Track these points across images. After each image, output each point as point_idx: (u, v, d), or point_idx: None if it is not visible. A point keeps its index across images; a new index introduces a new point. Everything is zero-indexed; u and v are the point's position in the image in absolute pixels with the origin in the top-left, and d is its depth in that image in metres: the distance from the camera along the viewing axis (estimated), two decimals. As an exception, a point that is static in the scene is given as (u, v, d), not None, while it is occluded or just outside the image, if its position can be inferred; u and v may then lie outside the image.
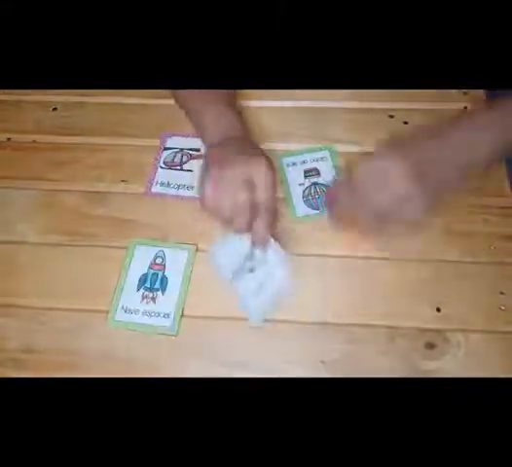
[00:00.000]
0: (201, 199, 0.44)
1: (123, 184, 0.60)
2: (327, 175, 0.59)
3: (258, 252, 0.47)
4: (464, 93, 0.64)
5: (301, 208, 0.57)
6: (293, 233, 0.55)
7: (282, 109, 0.65)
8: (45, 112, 0.67)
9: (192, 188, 0.59)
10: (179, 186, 0.59)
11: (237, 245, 0.47)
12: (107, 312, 0.51)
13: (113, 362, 0.49)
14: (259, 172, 0.44)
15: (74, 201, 0.59)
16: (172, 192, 0.59)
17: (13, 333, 0.51)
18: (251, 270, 0.48)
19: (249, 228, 0.44)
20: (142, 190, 0.59)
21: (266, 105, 0.65)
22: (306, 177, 0.59)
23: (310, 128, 0.63)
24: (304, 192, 0.58)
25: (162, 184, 0.59)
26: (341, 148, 0.61)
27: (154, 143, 0.63)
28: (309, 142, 0.61)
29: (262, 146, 0.51)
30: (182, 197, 0.58)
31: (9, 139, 0.64)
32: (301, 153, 0.61)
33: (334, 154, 0.60)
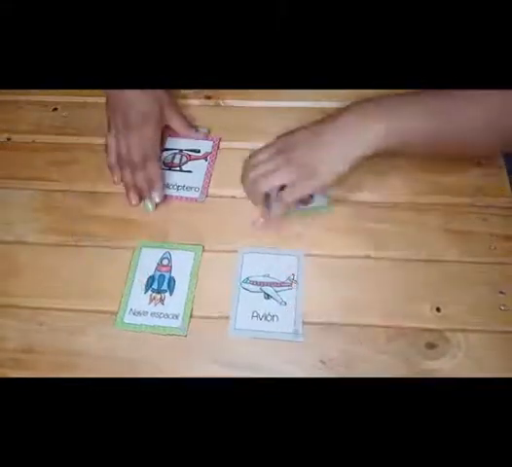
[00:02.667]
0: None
1: (123, 184, 0.60)
2: None
3: None
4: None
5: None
6: (293, 233, 0.55)
7: (282, 109, 0.65)
8: (45, 112, 0.67)
9: (192, 189, 0.59)
10: (179, 187, 0.59)
11: None
12: (107, 313, 0.51)
13: (113, 362, 0.49)
14: None
15: (74, 201, 0.59)
16: (172, 193, 0.58)
17: (12, 333, 0.51)
18: None
19: None
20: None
21: (266, 105, 0.65)
22: None
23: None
24: None
25: None
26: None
27: (154, 143, 0.63)
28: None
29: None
30: (182, 198, 0.58)
31: (9, 139, 0.64)
32: None
33: None
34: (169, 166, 0.61)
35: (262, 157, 0.51)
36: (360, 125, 0.47)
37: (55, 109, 0.67)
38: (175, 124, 0.61)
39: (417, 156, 0.56)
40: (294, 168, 0.48)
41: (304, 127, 0.50)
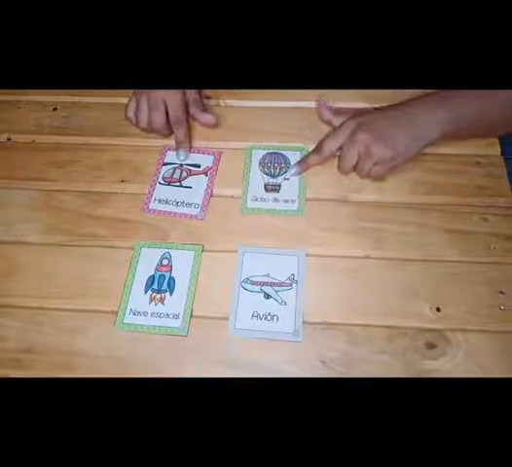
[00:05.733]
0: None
1: (123, 184, 0.60)
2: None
3: None
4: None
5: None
6: (292, 233, 0.55)
7: (282, 109, 0.65)
8: (45, 112, 0.67)
9: (191, 205, 0.58)
10: (178, 202, 0.58)
11: None
12: (107, 313, 0.51)
13: (113, 362, 0.49)
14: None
15: (74, 202, 0.59)
16: (171, 209, 0.58)
17: (13, 333, 0.51)
18: None
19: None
20: (142, 190, 0.59)
21: (266, 105, 0.65)
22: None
23: (309, 129, 0.63)
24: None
25: (160, 201, 0.58)
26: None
27: (154, 143, 0.63)
28: (308, 142, 0.61)
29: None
30: (181, 215, 0.57)
31: (9, 139, 0.64)
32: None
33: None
34: (169, 182, 0.60)
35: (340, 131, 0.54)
36: (427, 113, 0.52)
37: (55, 109, 0.67)
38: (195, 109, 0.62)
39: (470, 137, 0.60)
40: (372, 136, 0.52)
41: (376, 109, 0.55)
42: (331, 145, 0.54)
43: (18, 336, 0.50)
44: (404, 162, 0.53)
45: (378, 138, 0.51)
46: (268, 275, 0.52)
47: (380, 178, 0.56)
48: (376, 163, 0.52)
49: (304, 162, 0.58)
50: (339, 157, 0.55)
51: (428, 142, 0.52)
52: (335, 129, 0.55)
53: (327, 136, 0.55)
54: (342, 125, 0.54)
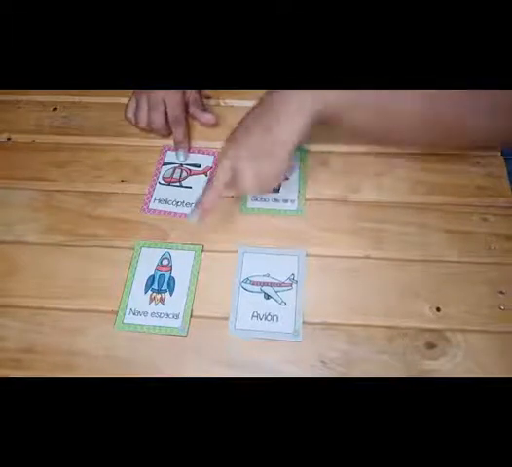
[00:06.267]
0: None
1: (123, 184, 0.60)
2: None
3: None
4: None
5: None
6: (292, 233, 0.55)
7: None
8: (45, 112, 0.67)
9: (191, 205, 0.57)
10: (178, 202, 0.58)
11: None
12: (107, 313, 0.51)
13: (113, 362, 0.49)
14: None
15: (74, 202, 0.59)
16: (171, 209, 0.58)
17: (12, 333, 0.51)
18: None
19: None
20: (142, 190, 0.59)
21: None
22: None
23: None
24: None
25: (160, 201, 0.58)
26: (342, 148, 0.61)
27: (154, 143, 0.63)
28: (308, 142, 0.61)
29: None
30: (181, 215, 0.57)
31: (9, 139, 0.64)
32: None
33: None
34: (169, 182, 0.60)
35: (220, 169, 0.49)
36: (294, 96, 0.46)
37: (55, 109, 0.67)
38: (194, 108, 0.63)
39: (365, 132, 0.53)
40: (251, 160, 0.47)
41: (239, 123, 0.50)
42: (219, 174, 0.49)
43: (18, 336, 0.50)
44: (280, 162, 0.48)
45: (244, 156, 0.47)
46: (268, 275, 0.52)
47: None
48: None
49: (200, 204, 0.50)
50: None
51: (302, 129, 0.46)
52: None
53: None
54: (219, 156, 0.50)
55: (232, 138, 0.50)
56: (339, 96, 0.46)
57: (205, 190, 0.50)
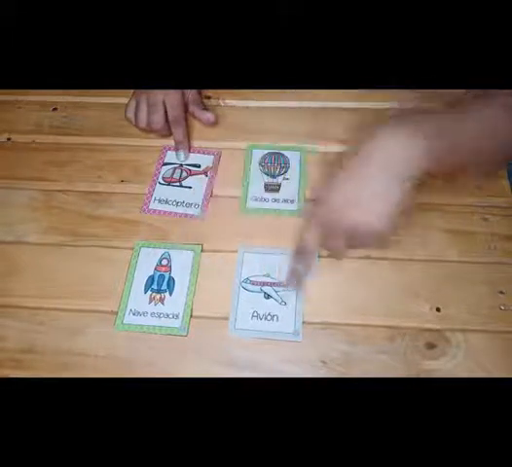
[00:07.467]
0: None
1: (123, 184, 0.60)
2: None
3: None
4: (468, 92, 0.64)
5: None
6: (292, 233, 0.55)
7: (283, 109, 0.65)
8: (45, 112, 0.67)
9: (191, 205, 0.58)
10: (178, 202, 0.58)
11: None
12: (107, 313, 0.51)
13: (113, 362, 0.49)
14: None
15: (74, 202, 0.59)
16: (171, 209, 0.57)
17: (12, 333, 0.50)
18: None
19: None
20: (142, 190, 0.59)
21: (266, 105, 0.65)
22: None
23: (309, 129, 0.63)
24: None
25: (160, 201, 0.58)
26: (342, 148, 0.61)
27: (154, 143, 0.63)
28: (308, 142, 0.61)
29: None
30: (181, 215, 0.57)
31: (9, 139, 0.64)
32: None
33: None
34: (169, 182, 0.60)
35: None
36: (398, 146, 0.40)
37: (55, 109, 0.67)
38: (194, 106, 0.63)
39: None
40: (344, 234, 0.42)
41: (332, 178, 0.43)
42: (309, 239, 0.45)
43: (18, 336, 0.50)
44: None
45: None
46: (268, 275, 0.52)
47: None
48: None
49: (292, 276, 0.48)
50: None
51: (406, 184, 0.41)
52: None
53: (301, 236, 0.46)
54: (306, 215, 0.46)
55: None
56: (430, 151, 0.39)
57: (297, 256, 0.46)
